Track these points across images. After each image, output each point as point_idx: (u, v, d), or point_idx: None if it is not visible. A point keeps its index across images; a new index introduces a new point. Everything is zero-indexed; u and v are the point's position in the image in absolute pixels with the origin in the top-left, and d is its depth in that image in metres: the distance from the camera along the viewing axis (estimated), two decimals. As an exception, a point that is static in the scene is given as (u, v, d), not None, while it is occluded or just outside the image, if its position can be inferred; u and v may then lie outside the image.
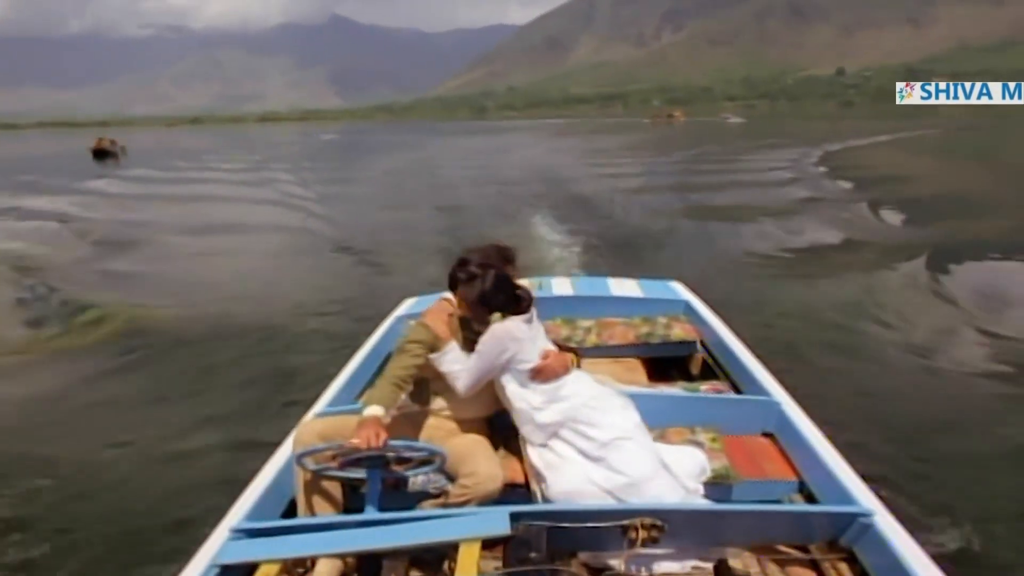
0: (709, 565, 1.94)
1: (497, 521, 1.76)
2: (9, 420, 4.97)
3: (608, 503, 2.00)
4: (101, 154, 39.44)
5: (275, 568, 1.76)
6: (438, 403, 2.39)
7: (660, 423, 2.52)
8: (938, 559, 1.78)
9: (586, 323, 3.74)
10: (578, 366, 2.39)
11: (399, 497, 2.25)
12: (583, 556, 1.94)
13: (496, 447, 2.39)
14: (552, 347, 2.36)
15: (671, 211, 13.81)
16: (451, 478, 2.20)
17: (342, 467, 2.07)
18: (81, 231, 13.14)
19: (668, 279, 4.40)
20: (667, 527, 1.80)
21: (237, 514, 2.02)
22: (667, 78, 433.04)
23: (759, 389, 2.85)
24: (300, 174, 25.77)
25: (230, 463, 3.79)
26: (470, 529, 1.76)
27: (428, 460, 2.13)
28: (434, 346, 2.29)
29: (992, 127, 45.24)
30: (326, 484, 2.16)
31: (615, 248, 10.29)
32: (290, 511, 2.22)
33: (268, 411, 4.64)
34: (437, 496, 2.27)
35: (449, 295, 2.41)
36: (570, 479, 2.10)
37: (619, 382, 2.64)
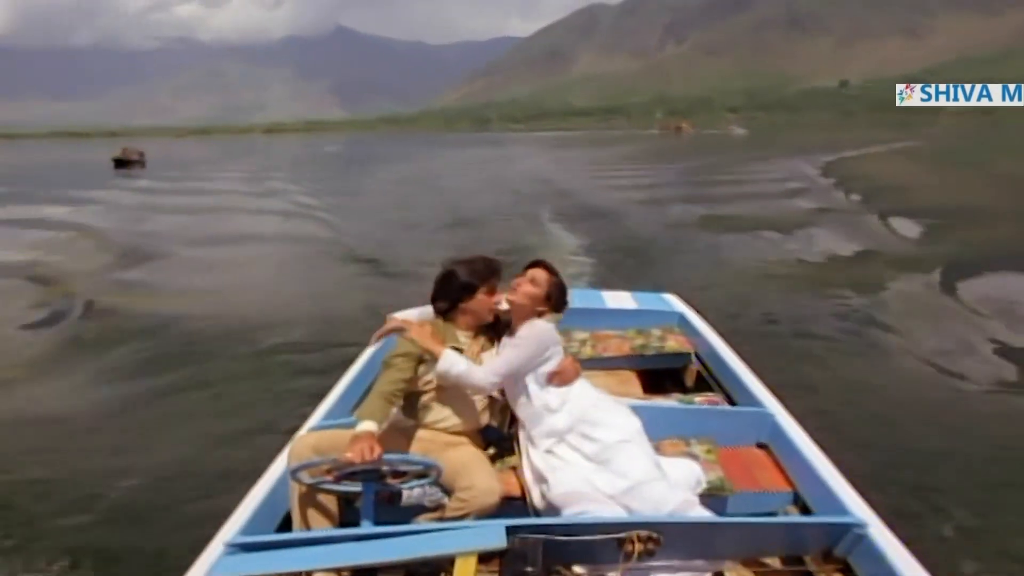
0: None
1: (493, 534, 1.76)
2: (11, 419, 5.07)
3: (604, 516, 2.00)
4: (123, 163, 39.62)
5: None
6: (430, 416, 2.39)
7: (655, 435, 2.52)
8: (932, 569, 1.77)
9: (581, 335, 3.73)
10: None
11: (395, 511, 2.24)
12: (579, 569, 1.93)
13: (491, 461, 2.39)
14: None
15: (690, 222, 13.93)
16: (448, 491, 2.20)
17: (337, 480, 2.07)
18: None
19: (662, 291, 4.42)
20: (663, 540, 1.80)
21: (232, 528, 2.02)
22: (667, 89, 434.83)
23: (753, 400, 2.86)
24: (313, 184, 27.02)
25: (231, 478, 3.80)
26: (466, 543, 1.76)
27: (424, 473, 2.13)
28: (422, 358, 2.30)
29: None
30: (321, 498, 2.15)
31: (636, 262, 10.21)
32: (285, 525, 2.22)
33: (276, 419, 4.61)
34: (434, 510, 2.27)
35: (429, 308, 2.49)
36: (571, 481, 2.12)
37: (614, 394, 2.66)
